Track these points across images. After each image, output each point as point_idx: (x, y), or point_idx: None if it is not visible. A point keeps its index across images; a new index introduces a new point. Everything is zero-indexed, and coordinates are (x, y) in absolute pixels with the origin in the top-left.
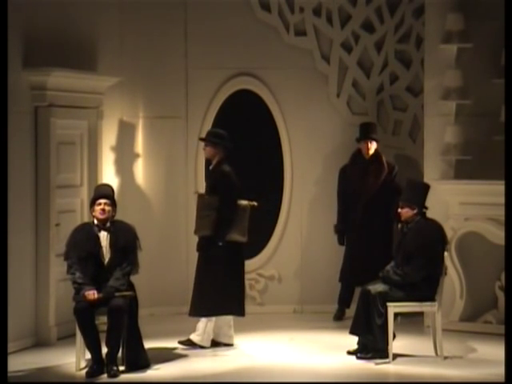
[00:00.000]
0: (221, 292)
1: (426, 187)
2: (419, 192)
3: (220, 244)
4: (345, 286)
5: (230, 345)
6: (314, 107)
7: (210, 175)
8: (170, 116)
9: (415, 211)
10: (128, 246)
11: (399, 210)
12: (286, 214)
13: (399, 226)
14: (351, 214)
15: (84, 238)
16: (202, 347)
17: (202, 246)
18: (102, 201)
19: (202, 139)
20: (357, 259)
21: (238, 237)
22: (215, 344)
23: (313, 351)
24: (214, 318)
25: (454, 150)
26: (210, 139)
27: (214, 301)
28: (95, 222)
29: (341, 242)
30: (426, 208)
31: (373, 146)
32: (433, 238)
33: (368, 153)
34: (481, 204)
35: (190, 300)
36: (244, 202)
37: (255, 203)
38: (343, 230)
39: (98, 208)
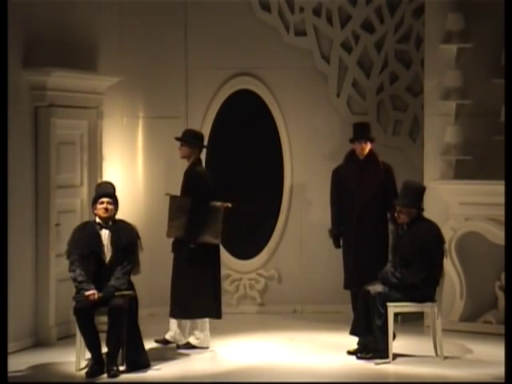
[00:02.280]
0: (194, 295)
1: (423, 189)
2: (416, 195)
3: (192, 246)
4: (353, 293)
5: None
6: (314, 107)
7: (184, 176)
8: (170, 116)
9: (413, 215)
10: (129, 245)
11: (396, 214)
12: (286, 213)
13: (394, 227)
14: (347, 216)
15: (86, 236)
16: (202, 348)
17: (174, 248)
18: (105, 199)
19: (178, 139)
20: (357, 264)
21: (210, 239)
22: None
23: (313, 351)
24: (207, 319)
25: (453, 150)
26: (186, 139)
27: (188, 304)
28: (97, 220)
29: (337, 246)
30: (423, 209)
31: (367, 147)
32: (429, 240)
33: (362, 153)
34: (481, 204)
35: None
36: (217, 204)
37: (229, 205)
38: (339, 234)
39: (100, 207)
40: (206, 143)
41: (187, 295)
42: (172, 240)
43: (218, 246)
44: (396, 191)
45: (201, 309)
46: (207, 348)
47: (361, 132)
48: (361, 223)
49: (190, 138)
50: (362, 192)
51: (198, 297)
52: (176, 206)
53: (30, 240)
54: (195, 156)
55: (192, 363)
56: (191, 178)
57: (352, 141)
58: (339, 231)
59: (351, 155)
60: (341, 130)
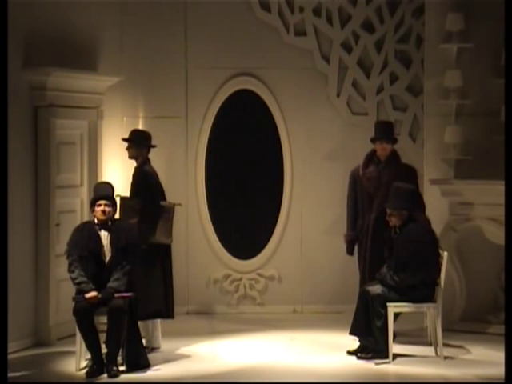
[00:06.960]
0: (144, 296)
1: (412, 190)
2: (406, 197)
3: (143, 247)
4: None
5: (156, 348)
6: (314, 107)
7: (132, 177)
8: (170, 116)
9: (404, 217)
10: (129, 245)
11: (388, 217)
12: (286, 214)
13: (387, 229)
14: (364, 219)
15: (85, 237)
16: (152, 349)
17: None
18: (103, 202)
19: (125, 139)
20: (373, 271)
21: (162, 238)
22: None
23: (313, 351)
24: (158, 320)
25: (453, 150)
26: (133, 139)
27: (141, 304)
28: (96, 221)
29: (350, 252)
30: (419, 210)
31: (389, 148)
32: (423, 241)
33: (384, 154)
34: (481, 204)
35: None
36: (168, 203)
37: (180, 203)
38: (354, 240)
39: (98, 209)
40: (153, 143)
41: (138, 297)
42: None
43: (169, 246)
44: (420, 196)
45: (150, 310)
46: (158, 348)
47: (383, 131)
48: (377, 226)
49: (138, 139)
50: (380, 195)
51: (148, 298)
52: (126, 207)
53: (30, 240)
54: (143, 156)
55: (192, 363)
56: (139, 178)
57: (373, 140)
58: (355, 236)
59: (372, 156)
60: (341, 130)
